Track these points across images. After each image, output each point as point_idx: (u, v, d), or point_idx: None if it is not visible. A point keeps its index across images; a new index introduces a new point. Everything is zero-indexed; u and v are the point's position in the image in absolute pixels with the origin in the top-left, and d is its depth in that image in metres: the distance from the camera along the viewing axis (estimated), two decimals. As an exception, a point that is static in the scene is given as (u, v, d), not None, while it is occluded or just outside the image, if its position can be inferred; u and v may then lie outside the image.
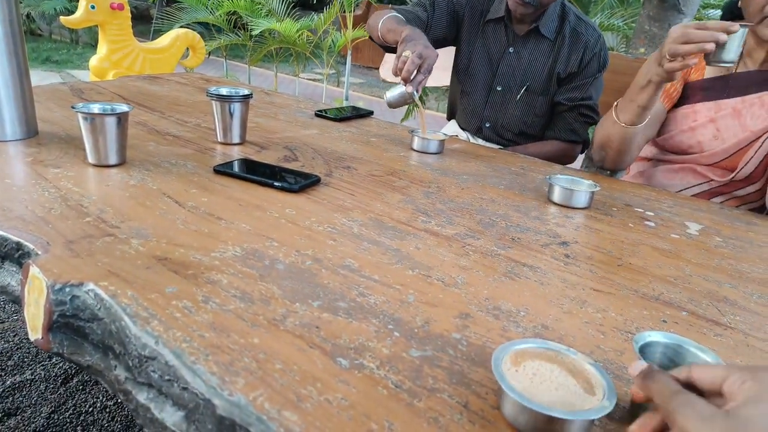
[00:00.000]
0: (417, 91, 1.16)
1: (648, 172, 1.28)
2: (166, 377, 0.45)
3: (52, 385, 1.41)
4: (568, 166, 1.40)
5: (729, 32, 0.86)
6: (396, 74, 1.15)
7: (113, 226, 0.68)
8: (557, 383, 0.42)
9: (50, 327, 0.55)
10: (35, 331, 0.57)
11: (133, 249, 0.63)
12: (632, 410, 0.44)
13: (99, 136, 0.87)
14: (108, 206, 0.73)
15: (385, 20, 1.40)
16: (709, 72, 1.17)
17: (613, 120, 1.10)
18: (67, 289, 0.54)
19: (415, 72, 1.12)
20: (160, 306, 0.52)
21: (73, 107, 0.86)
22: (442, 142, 1.21)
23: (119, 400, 1.35)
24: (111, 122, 0.87)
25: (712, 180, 1.16)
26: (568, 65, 1.43)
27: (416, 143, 1.21)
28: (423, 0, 1.52)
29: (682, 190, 1.20)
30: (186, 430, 0.44)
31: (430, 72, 1.15)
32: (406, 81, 1.13)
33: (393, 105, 1.21)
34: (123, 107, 0.89)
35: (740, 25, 0.87)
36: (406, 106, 4.39)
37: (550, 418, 0.39)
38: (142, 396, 0.47)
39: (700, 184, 1.18)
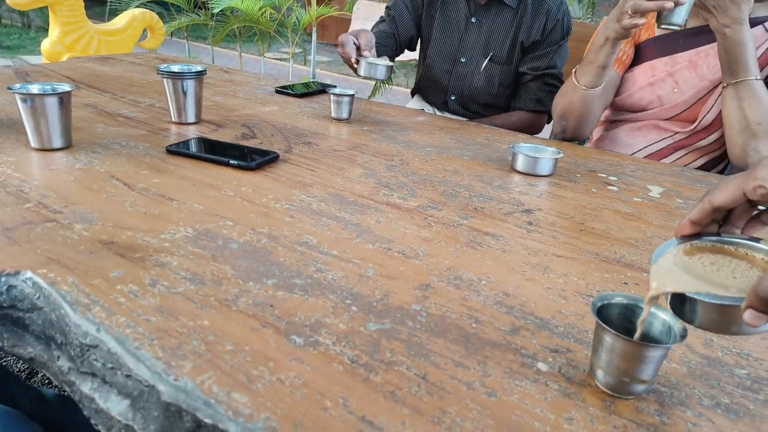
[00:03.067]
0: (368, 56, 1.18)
1: (610, 134, 1.29)
2: (109, 365, 0.43)
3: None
4: (535, 136, 1.39)
5: None
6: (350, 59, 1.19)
7: (55, 211, 0.64)
8: (740, 272, 0.38)
9: (-12, 320, 0.52)
10: (-27, 325, 0.54)
11: (76, 234, 0.59)
12: None
13: (40, 118, 0.82)
14: (51, 191, 0.70)
15: None
16: (659, 31, 1.20)
17: (574, 85, 1.13)
18: (3, 279, 0.51)
19: (356, 48, 1.18)
20: (102, 292, 0.49)
21: (9, 88, 0.81)
22: (389, 68, 1.16)
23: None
24: (52, 103, 0.82)
25: (675, 133, 1.19)
26: (531, 33, 1.41)
27: (363, 69, 1.16)
28: (384, 14, 1.54)
29: (646, 147, 1.22)
30: (132, 419, 0.41)
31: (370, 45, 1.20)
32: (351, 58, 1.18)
33: (368, 75, 1.18)
34: (65, 86, 0.84)
35: None
36: (373, 83, 4.33)
37: (714, 306, 0.36)
38: (86, 386, 0.45)
39: (663, 139, 1.20)
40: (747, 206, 0.41)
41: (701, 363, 0.47)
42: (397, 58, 1.62)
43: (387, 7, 1.54)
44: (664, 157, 1.21)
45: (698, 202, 0.42)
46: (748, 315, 0.34)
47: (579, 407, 0.41)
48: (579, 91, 1.13)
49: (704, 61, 1.12)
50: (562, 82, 1.45)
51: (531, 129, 1.49)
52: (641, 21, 0.95)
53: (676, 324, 0.41)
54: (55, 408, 0.85)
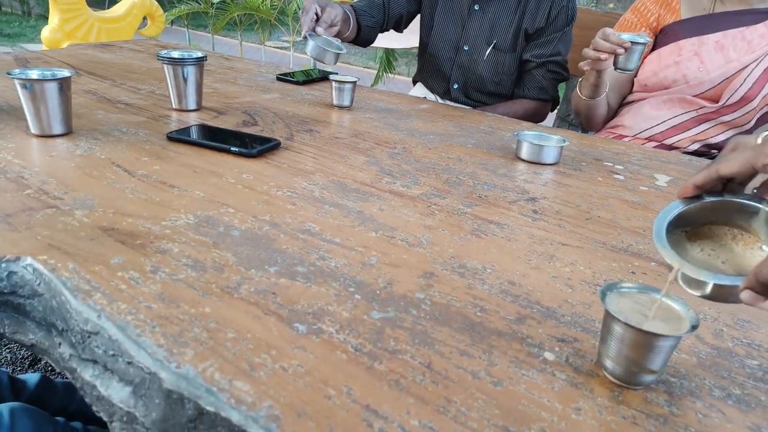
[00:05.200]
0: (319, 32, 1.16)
1: (635, 107, 1.30)
2: (111, 352, 0.43)
3: (19, 368, 1.36)
4: (539, 124, 1.38)
5: (623, 47, 1.01)
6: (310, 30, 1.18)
7: (56, 197, 0.63)
8: (731, 262, 0.41)
9: (-12, 306, 0.52)
10: (-27, 312, 0.53)
11: (76, 220, 0.59)
12: None
13: (40, 104, 0.81)
14: (51, 177, 0.69)
15: None
16: (685, 13, 1.23)
17: (578, 95, 1.25)
18: (3, 265, 0.51)
19: (315, 18, 1.16)
20: (103, 278, 0.49)
21: (8, 73, 0.80)
22: (337, 55, 1.14)
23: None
24: (52, 88, 0.81)
25: (701, 107, 1.20)
26: (536, 20, 1.39)
27: (310, 48, 1.13)
28: None
29: (670, 119, 1.23)
30: (134, 406, 0.41)
31: (330, 18, 1.19)
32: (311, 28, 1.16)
33: (315, 57, 1.15)
34: (64, 72, 0.83)
35: (632, 43, 1.01)
36: (375, 73, 4.28)
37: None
38: (87, 373, 0.45)
39: (688, 112, 1.22)
40: (753, 174, 0.42)
41: (711, 353, 0.47)
42: (398, 47, 1.59)
43: None
44: (688, 130, 1.22)
45: (705, 168, 0.43)
46: (746, 295, 0.36)
47: (587, 397, 0.41)
48: (582, 100, 1.24)
49: (731, 43, 1.15)
50: (566, 69, 1.45)
51: (535, 117, 1.48)
52: (586, 67, 1.10)
53: (688, 314, 0.40)
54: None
